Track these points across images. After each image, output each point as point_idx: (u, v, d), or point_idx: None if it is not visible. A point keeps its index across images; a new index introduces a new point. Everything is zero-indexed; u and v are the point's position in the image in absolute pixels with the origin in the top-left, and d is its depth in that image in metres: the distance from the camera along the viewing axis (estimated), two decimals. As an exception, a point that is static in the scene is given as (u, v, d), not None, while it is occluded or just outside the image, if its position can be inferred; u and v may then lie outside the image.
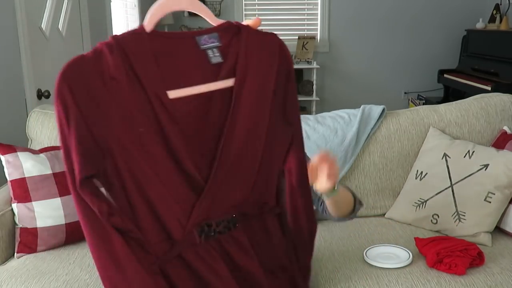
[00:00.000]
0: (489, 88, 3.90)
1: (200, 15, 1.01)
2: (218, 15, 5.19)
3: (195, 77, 0.95)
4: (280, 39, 1.05)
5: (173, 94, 0.93)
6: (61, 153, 0.90)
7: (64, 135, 0.89)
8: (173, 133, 0.92)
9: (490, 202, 1.78)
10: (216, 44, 0.96)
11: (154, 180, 0.93)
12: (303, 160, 1.09)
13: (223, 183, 0.99)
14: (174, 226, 0.97)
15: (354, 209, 1.52)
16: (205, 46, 0.95)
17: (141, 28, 0.95)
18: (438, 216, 1.86)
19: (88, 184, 0.90)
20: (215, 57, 0.96)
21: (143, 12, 4.89)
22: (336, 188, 1.36)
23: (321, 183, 1.31)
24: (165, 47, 0.94)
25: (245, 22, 1.02)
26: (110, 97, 0.89)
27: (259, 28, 1.03)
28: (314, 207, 1.47)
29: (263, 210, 1.07)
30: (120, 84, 0.89)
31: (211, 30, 0.98)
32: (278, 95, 1.02)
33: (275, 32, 1.05)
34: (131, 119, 0.90)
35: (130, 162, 0.91)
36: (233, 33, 0.98)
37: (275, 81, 1.01)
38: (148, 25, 0.95)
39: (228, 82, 0.97)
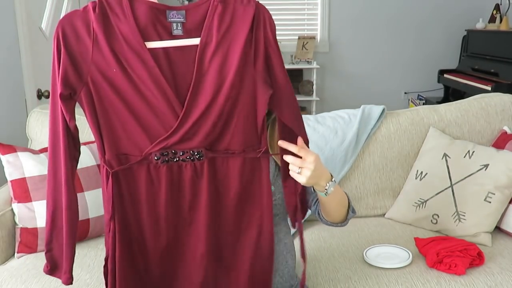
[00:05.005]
0: (489, 88, 3.90)
1: None
2: (218, 15, 5.18)
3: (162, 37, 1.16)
4: (258, 9, 1.18)
5: (149, 44, 1.13)
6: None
7: (54, 64, 1.14)
8: (144, 75, 1.11)
9: (490, 202, 1.78)
10: (181, 20, 1.14)
11: (123, 109, 1.13)
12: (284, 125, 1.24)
13: (192, 127, 1.15)
14: (132, 150, 1.15)
15: (346, 217, 1.41)
16: (171, 19, 1.14)
17: None
18: (438, 216, 1.86)
19: (67, 98, 1.14)
20: (177, 30, 1.15)
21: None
22: (327, 188, 1.27)
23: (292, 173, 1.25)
24: (140, 11, 1.13)
25: None
26: (92, 44, 1.12)
27: None
28: (310, 207, 1.46)
29: (228, 153, 1.21)
30: (100, 36, 1.11)
31: (181, 7, 1.15)
32: (250, 57, 1.17)
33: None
34: (106, 62, 1.12)
35: (101, 93, 1.13)
36: (206, 7, 1.15)
37: (243, 46, 1.15)
38: None
39: (193, 41, 1.15)
